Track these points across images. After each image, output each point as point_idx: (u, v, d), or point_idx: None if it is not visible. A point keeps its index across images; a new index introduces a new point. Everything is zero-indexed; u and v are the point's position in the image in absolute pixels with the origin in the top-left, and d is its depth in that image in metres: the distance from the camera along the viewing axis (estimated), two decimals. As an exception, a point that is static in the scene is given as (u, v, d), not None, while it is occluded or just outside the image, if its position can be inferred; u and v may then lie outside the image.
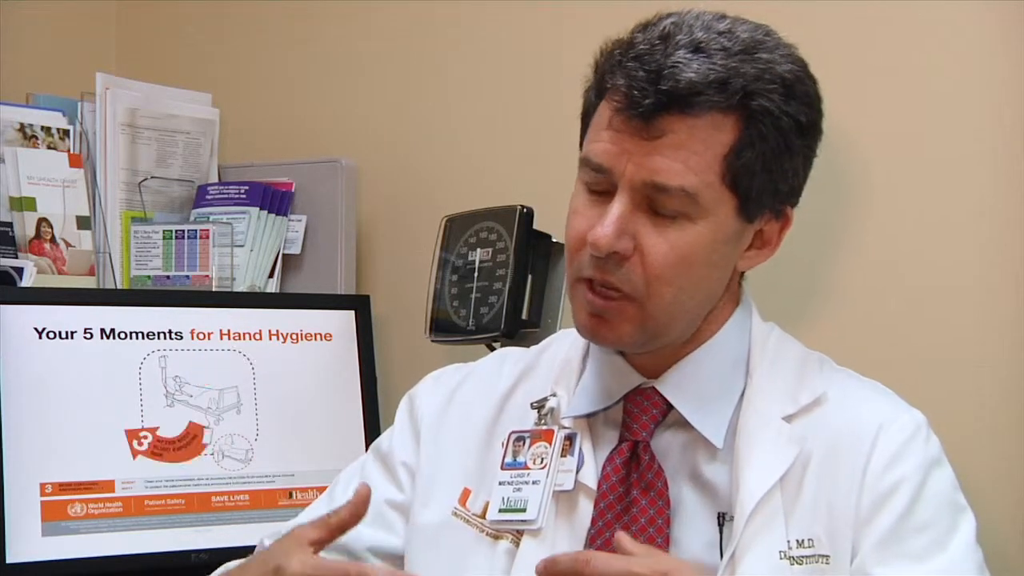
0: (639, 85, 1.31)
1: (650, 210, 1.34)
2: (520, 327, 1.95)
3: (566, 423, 1.46)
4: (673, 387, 1.42)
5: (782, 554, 1.34)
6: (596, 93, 1.40)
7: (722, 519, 1.37)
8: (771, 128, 1.34)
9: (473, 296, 1.98)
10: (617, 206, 1.34)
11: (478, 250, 2.00)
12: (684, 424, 1.41)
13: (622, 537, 1.24)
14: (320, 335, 2.13)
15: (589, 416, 1.46)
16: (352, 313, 2.16)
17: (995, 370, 1.70)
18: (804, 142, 1.38)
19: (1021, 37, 1.70)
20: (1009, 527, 1.65)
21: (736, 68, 1.32)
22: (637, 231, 1.34)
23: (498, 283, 1.96)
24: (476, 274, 1.99)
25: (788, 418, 1.39)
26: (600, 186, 1.37)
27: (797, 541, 1.35)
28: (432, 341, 2.04)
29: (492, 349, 1.87)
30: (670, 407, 1.42)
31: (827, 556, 1.35)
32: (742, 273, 1.48)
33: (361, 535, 1.53)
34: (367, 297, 2.20)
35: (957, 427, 1.55)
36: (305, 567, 1.26)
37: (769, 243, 1.43)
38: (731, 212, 1.36)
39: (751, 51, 1.33)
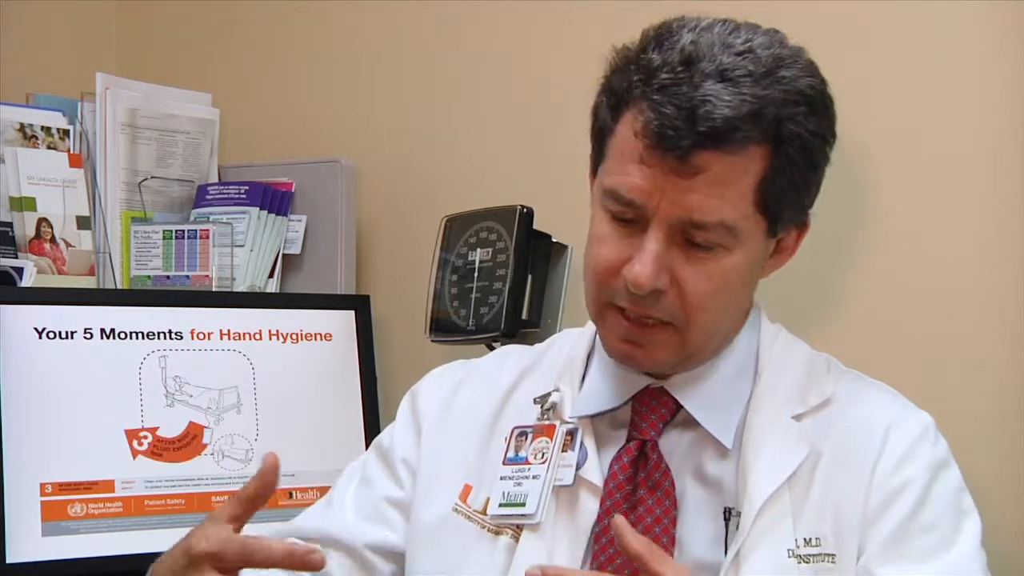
0: (672, 124, 1.28)
1: (685, 243, 1.33)
2: (520, 327, 1.95)
3: (571, 420, 1.46)
4: (683, 388, 1.43)
5: (790, 552, 1.34)
6: (612, 115, 1.36)
7: (728, 514, 1.37)
8: (799, 150, 1.34)
9: (473, 296, 1.98)
10: (653, 244, 1.32)
11: (478, 250, 2.00)
12: (692, 423, 1.42)
13: (621, 524, 1.23)
14: (320, 335, 2.13)
15: (595, 416, 1.46)
16: (352, 313, 2.16)
17: (996, 370, 1.70)
18: (825, 155, 1.38)
19: (1021, 37, 1.70)
20: (1011, 528, 1.65)
21: (767, 96, 1.30)
22: (672, 265, 1.33)
23: (498, 283, 1.96)
24: (476, 274, 1.99)
25: (797, 417, 1.40)
26: (626, 215, 1.35)
27: (805, 540, 1.35)
28: (432, 341, 2.04)
29: (492, 349, 1.87)
30: (679, 407, 1.42)
31: (833, 555, 1.35)
32: None
33: (360, 532, 1.53)
34: (367, 297, 2.20)
35: (959, 428, 1.55)
36: (210, 543, 1.25)
37: (787, 249, 1.44)
38: (762, 234, 1.37)
39: (773, 71, 1.32)
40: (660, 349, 1.38)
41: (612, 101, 1.36)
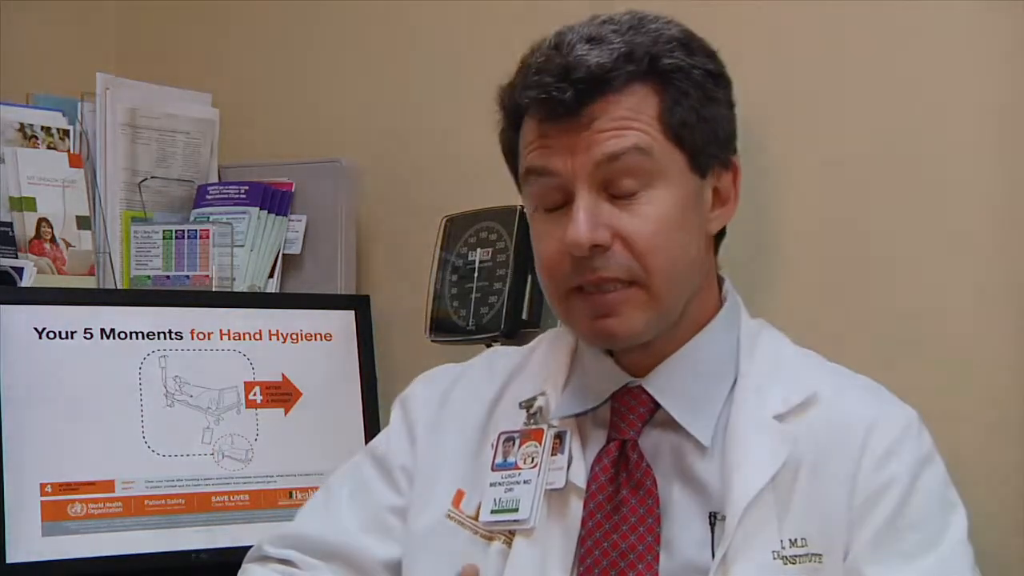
0: (555, 86, 1.35)
1: (611, 196, 1.36)
2: (520, 327, 1.95)
3: (555, 423, 1.46)
4: (660, 385, 1.42)
5: (775, 554, 1.34)
6: (512, 125, 1.44)
7: (713, 519, 1.37)
8: (687, 81, 1.38)
9: (473, 296, 1.98)
10: (581, 202, 1.36)
11: (478, 250, 2.00)
12: (672, 423, 1.41)
13: None
14: (320, 335, 2.13)
15: (578, 416, 1.46)
16: (352, 313, 2.16)
17: (991, 367, 1.70)
18: (721, 90, 1.42)
19: (1021, 36, 1.70)
20: (1000, 521, 1.65)
21: (632, 40, 1.37)
22: (608, 221, 1.36)
23: (498, 283, 1.96)
24: (476, 274, 1.99)
25: (779, 417, 1.39)
26: (553, 200, 1.39)
27: (790, 541, 1.34)
28: (432, 341, 2.04)
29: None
30: (657, 406, 1.42)
31: (819, 555, 1.34)
32: (722, 279, 1.49)
33: (373, 550, 1.52)
34: (367, 297, 2.20)
35: (953, 424, 1.55)
36: None
37: (728, 198, 1.45)
38: (684, 169, 1.38)
39: (638, 26, 1.39)
40: (633, 311, 1.37)
41: (510, 119, 1.44)
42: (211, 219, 2.22)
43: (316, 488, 1.64)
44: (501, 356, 1.59)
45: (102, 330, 1.97)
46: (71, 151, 2.18)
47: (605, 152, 1.35)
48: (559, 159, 1.37)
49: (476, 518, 1.46)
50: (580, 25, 1.40)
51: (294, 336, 2.10)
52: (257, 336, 2.08)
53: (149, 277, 2.19)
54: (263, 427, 2.05)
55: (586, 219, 1.35)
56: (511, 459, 1.46)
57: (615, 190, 1.36)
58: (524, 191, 1.43)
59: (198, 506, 1.97)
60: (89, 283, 2.14)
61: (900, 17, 1.77)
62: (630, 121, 1.35)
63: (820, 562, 1.34)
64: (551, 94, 1.35)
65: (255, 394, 2.05)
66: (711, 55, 1.42)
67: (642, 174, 1.36)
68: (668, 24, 1.41)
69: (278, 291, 2.24)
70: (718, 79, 1.41)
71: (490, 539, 1.44)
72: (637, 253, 1.35)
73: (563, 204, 1.38)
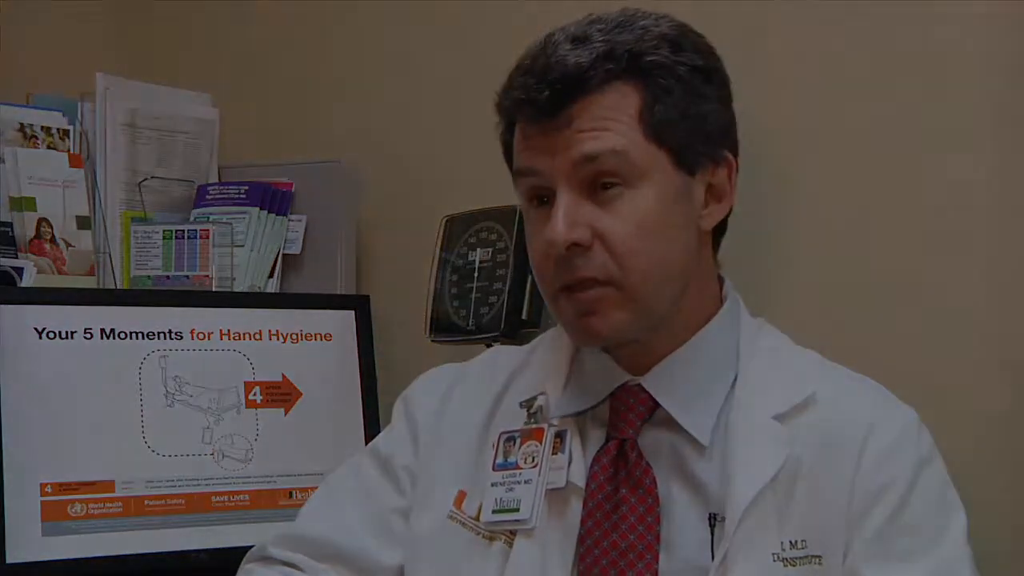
0: (534, 87, 1.36)
1: (593, 196, 1.37)
2: (520, 327, 1.95)
3: (555, 422, 1.46)
4: (658, 384, 1.42)
5: (775, 556, 1.34)
6: (508, 127, 1.45)
7: (713, 520, 1.37)
8: (671, 79, 1.37)
9: (473, 296, 1.98)
10: (561, 201, 1.36)
11: (478, 250, 2.00)
12: (671, 422, 1.41)
13: None
14: (320, 335, 2.12)
15: (577, 415, 1.46)
16: (352, 313, 2.16)
17: (991, 367, 1.70)
18: (712, 86, 1.41)
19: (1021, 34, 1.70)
20: (998, 521, 1.65)
21: (615, 38, 1.37)
22: (588, 221, 1.36)
23: (498, 283, 1.96)
24: (476, 274, 1.99)
25: (779, 417, 1.39)
26: (540, 201, 1.40)
27: (790, 542, 1.35)
28: (432, 341, 2.04)
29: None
30: (656, 404, 1.42)
31: (819, 556, 1.35)
32: (723, 279, 1.48)
33: (377, 553, 1.52)
34: (367, 297, 2.20)
35: (953, 424, 1.55)
36: None
37: (724, 194, 1.44)
38: (669, 168, 1.38)
39: (626, 24, 1.39)
40: (612, 310, 1.38)
41: (505, 120, 1.46)
42: (211, 219, 2.21)
43: (316, 488, 1.64)
44: (502, 356, 1.59)
45: (102, 330, 1.97)
46: (71, 151, 2.18)
47: (583, 152, 1.35)
48: (542, 159, 1.38)
49: (478, 518, 1.46)
50: (571, 25, 1.41)
51: (294, 336, 2.10)
52: (257, 336, 2.08)
53: (149, 277, 2.19)
54: (263, 427, 2.05)
55: (564, 219, 1.35)
56: (512, 459, 1.46)
57: (596, 189, 1.37)
58: (517, 191, 1.44)
59: (198, 506, 1.97)
60: (89, 283, 2.14)
61: (905, 16, 1.77)
62: (608, 121, 1.36)
63: (820, 563, 1.34)
64: (530, 95, 1.36)
65: (255, 394, 2.05)
66: (703, 51, 1.41)
67: (622, 174, 1.36)
68: (659, 21, 1.40)
69: (278, 291, 2.24)
70: (708, 75, 1.41)
71: (491, 539, 1.44)
72: (615, 254, 1.36)
73: (548, 201, 1.39)
